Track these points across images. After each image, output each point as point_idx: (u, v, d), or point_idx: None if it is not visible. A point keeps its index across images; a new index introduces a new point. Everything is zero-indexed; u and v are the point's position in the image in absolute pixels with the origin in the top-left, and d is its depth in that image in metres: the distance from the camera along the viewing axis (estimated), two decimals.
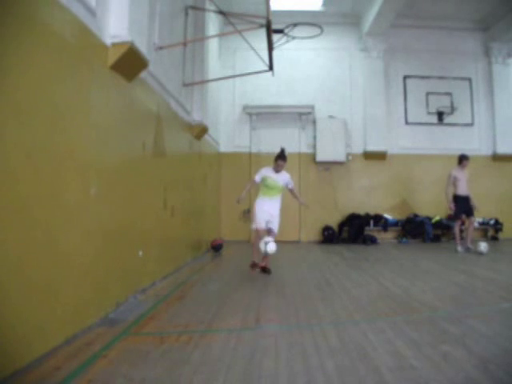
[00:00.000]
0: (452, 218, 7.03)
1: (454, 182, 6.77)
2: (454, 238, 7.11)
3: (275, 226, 4.61)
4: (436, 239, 8.42)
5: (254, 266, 4.71)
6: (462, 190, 6.74)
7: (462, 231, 7.69)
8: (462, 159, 6.82)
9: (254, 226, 4.69)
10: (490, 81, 9.06)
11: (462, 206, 6.72)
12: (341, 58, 8.98)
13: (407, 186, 8.81)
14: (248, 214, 4.67)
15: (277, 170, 4.63)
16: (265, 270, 4.62)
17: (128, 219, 3.31)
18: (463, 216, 6.85)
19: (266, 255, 4.45)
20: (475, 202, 6.81)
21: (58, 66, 2.27)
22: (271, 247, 4.28)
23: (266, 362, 2.05)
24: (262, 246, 4.35)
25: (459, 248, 6.62)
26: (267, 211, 4.58)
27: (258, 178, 4.68)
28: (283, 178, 4.67)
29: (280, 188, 4.68)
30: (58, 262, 2.25)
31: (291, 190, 4.81)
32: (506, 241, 8.37)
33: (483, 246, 6.22)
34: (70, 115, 2.41)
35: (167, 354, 2.15)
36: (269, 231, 4.56)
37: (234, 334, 2.49)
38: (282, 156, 4.59)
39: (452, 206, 6.73)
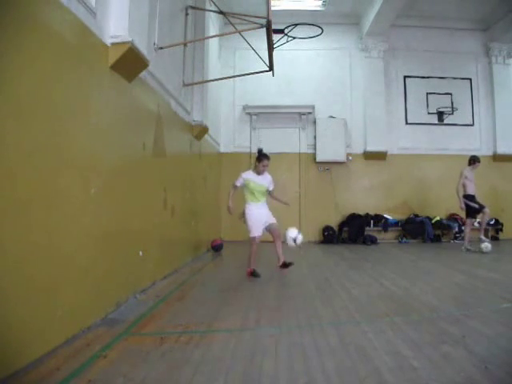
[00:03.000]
0: (469, 215, 6.90)
1: (464, 181, 6.77)
2: (462, 238, 7.19)
3: (275, 224, 4.51)
4: (436, 239, 8.42)
5: (251, 273, 4.42)
6: (471, 190, 6.76)
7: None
8: (475, 161, 6.83)
9: (251, 235, 4.44)
10: (491, 81, 9.06)
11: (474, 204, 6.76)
12: (341, 57, 8.97)
13: (407, 186, 8.79)
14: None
15: (262, 171, 4.46)
16: (289, 264, 4.44)
17: (128, 219, 3.31)
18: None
19: (298, 247, 4.70)
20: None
21: (58, 66, 2.27)
22: (300, 239, 4.54)
23: (266, 362, 2.04)
24: (290, 242, 4.53)
25: (468, 246, 6.66)
26: (263, 216, 4.46)
27: (238, 182, 4.49)
28: (266, 179, 4.52)
29: (265, 191, 4.52)
30: (58, 262, 2.25)
31: (271, 193, 4.61)
32: (506, 241, 8.37)
33: (486, 243, 6.35)
34: (70, 115, 2.41)
35: (167, 354, 2.15)
36: (273, 232, 4.47)
37: (234, 335, 2.49)
38: (266, 155, 4.44)
39: (463, 205, 6.73)
